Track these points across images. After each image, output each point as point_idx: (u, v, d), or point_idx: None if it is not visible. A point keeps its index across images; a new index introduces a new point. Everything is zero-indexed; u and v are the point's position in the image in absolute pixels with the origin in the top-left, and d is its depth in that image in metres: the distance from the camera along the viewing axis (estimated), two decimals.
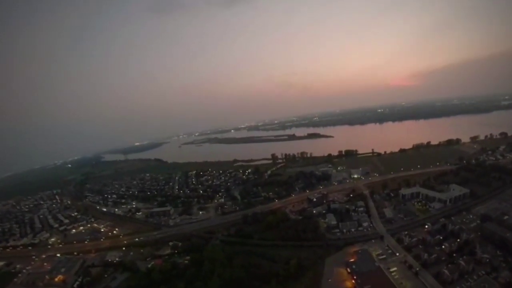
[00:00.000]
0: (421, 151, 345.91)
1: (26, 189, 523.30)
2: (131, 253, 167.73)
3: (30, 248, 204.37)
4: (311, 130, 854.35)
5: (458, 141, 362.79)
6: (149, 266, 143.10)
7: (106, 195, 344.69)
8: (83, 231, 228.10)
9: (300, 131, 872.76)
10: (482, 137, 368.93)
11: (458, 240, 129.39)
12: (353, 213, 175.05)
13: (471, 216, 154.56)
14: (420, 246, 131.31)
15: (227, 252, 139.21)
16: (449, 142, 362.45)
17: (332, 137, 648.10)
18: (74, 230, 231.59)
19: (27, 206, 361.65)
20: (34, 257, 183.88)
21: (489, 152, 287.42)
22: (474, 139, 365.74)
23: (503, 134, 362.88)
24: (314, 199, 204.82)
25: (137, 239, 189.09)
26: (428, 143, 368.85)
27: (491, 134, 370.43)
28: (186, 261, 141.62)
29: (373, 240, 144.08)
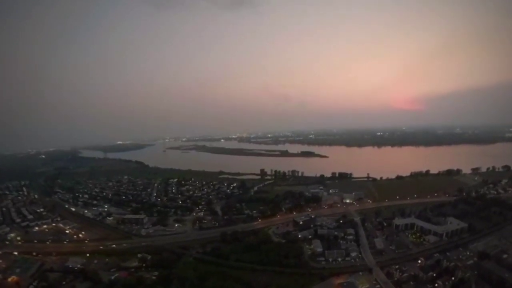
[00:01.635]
0: (419, 179, 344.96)
1: None
2: (95, 261, 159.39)
3: None
4: (305, 148, 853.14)
5: (458, 171, 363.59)
6: (113, 278, 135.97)
7: (77, 194, 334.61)
8: (47, 230, 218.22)
9: (294, 148, 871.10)
10: (484, 169, 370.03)
11: (453, 278, 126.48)
12: (341, 241, 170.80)
13: (468, 253, 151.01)
14: (412, 283, 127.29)
15: (199, 272, 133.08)
16: (449, 172, 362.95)
17: (327, 157, 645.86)
18: (37, 228, 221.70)
19: None
20: None
21: (491, 185, 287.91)
22: (475, 170, 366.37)
23: (506, 167, 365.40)
24: (301, 222, 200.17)
25: (103, 246, 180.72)
26: (427, 171, 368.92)
27: (493, 167, 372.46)
28: (154, 277, 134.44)
29: (360, 273, 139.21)
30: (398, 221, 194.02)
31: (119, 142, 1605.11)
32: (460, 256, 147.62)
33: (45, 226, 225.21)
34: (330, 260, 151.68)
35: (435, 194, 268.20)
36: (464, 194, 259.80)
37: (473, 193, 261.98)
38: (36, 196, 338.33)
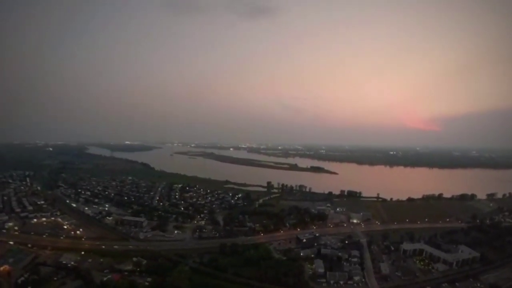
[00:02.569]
0: (431, 203, 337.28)
1: None
2: (89, 260, 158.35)
3: None
4: (315, 163, 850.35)
5: (473, 196, 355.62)
6: (105, 279, 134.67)
7: (79, 190, 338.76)
8: (45, 223, 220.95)
9: (303, 162, 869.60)
10: (500, 195, 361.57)
11: None
12: (345, 263, 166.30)
13: (478, 284, 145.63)
14: None
15: (194, 283, 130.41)
16: (463, 196, 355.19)
17: (337, 174, 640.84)
18: (35, 220, 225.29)
19: None
20: None
21: (506, 212, 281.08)
22: (490, 196, 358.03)
23: None
24: (304, 240, 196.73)
25: (99, 246, 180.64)
26: (440, 195, 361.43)
27: (510, 193, 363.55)
28: (147, 283, 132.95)
29: None
30: (406, 246, 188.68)
31: (127, 142, 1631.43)
32: None
33: (44, 219, 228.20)
34: (332, 282, 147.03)
35: (447, 220, 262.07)
36: (478, 221, 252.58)
37: (487, 221, 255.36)
38: (38, 188, 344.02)
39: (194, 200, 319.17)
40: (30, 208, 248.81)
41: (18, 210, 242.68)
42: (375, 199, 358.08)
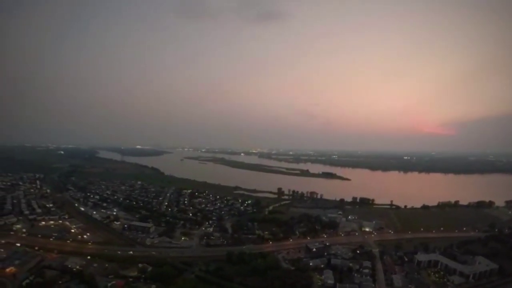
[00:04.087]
0: (447, 210, 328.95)
1: (8, 165, 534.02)
2: (95, 265, 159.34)
3: None
4: (327, 169, 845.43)
5: (490, 204, 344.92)
6: (109, 285, 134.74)
7: (88, 194, 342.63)
8: (52, 226, 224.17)
9: (315, 168, 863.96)
10: None
11: None
12: (355, 274, 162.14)
13: None
14: None
15: None
16: (480, 204, 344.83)
17: (349, 180, 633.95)
18: (43, 223, 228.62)
19: (3, 183, 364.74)
20: None
21: None
22: (510, 203, 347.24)
23: None
24: (314, 249, 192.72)
25: (106, 251, 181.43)
26: (456, 202, 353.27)
27: None
28: None
29: None
30: (421, 256, 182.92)
31: (138, 146, 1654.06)
32: None
33: (51, 222, 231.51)
34: None
35: (464, 229, 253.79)
36: (496, 230, 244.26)
37: (506, 230, 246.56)
38: (48, 190, 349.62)
39: (203, 206, 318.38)
40: (39, 210, 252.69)
41: (26, 212, 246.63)
42: (388, 206, 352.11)
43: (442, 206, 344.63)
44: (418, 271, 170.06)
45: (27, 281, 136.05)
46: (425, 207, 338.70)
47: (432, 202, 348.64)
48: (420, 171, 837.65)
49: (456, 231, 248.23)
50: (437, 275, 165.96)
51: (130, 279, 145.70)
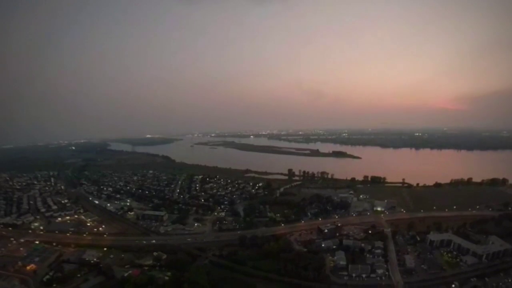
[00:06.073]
0: (460, 188, 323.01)
1: (23, 165, 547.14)
2: (111, 256, 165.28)
3: (10, 228, 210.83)
4: (338, 148, 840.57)
5: (504, 181, 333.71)
6: (126, 274, 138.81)
7: (102, 187, 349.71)
8: (69, 221, 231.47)
9: (325, 147, 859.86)
10: None
11: None
12: (368, 255, 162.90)
13: (509, 280, 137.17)
14: None
15: (212, 277, 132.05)
16: (494, 181, 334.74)
17: (360, 158, 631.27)
18: (59, 219, 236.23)
19: (19, 184, 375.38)
20: (12, 239, 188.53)
21: None
22: None
23: None
24: (326, 230, 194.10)
25: (121, 241, 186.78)
26: (469, 179, 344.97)
27: None
28: (166, 277, 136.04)
29: None
30: (433, 236, 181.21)
31: (148, 136, 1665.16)
32: (500, 284, 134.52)
33: (67, 217, 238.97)
34: (354, 275, 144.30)
35: (477, 207, 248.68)
36: (510, 209, 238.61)
37: None
38: (62, 187, 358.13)
39: (215, 191, 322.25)
40: (55, 207, 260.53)
41: (43, 210, 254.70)
42: (400, 184, 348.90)
43: (455, 183, 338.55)
44: (430, 251, 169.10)
45: (48, 276, 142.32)
46: (437, 184, 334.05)
47: (445, 179, 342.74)
48: (432, 147, 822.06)
49: (469, 209, 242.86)
50: (449, 255, 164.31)
51: (146, 268, 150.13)
